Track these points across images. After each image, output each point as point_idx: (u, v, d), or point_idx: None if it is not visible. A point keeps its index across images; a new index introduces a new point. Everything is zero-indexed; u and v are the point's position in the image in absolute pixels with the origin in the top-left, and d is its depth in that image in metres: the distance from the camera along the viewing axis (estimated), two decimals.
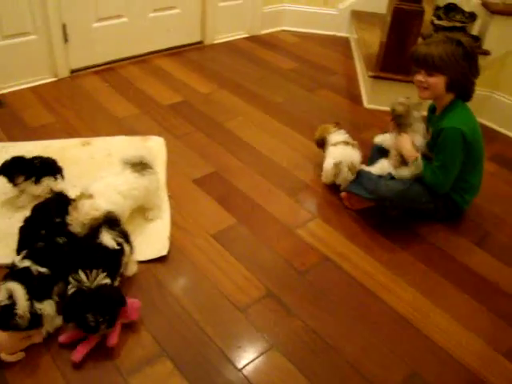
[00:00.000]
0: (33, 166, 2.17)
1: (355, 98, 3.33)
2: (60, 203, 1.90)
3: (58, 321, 1.67)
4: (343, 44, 4.15)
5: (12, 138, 2.65)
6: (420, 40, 3.05)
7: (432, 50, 2.10)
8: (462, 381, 1.65)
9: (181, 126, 2.85)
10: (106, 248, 1.71)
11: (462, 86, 2.14)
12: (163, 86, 3.28)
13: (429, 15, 3.05)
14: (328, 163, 2.37)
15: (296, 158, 2.66)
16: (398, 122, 2.28)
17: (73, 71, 3.34)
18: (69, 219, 1.81)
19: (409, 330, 1.80)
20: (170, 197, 2.28)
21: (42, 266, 1.67)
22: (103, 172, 2.07)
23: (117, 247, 1.73)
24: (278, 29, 4.31)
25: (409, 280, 1.99)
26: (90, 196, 1.84)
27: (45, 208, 1.90)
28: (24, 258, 1.68)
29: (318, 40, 4.17)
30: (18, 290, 1.55)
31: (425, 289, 1.96)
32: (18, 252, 1.78)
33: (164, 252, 1.99)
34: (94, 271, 1.61)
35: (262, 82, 3.43)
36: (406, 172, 2.22)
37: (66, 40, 3.20)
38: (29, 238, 1.79)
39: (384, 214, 2.30)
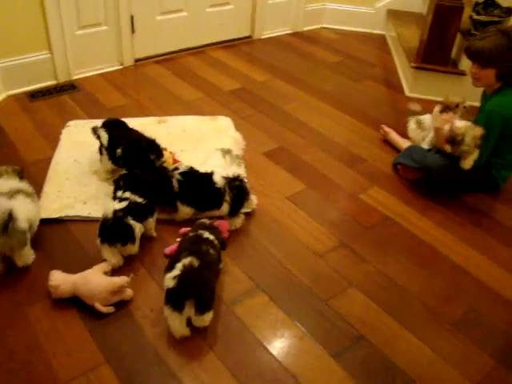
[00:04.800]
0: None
1: (396, 88, 3.63)
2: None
3: None
4: (380, 40, 4.45)
5: (92, 116, 2.94)
6: (459, 34, 3.35)
7: (484, 45, 2.34)
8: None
9: (244, 109, 3.16)
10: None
11: (510, 76, 2.40)
12: (222, 74, 3.59)
13: (467, 11, 3.33)
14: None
15: (350, 136, 2.96)
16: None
17: (136, 60, 3.65)
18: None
19: (463, 274, 2.10)
20: None
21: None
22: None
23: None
24: (319, 26, 4.61)
25: (460, 237, 2.29)
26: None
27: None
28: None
29: (356, 37, 4.48)
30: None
31: (474, 244, 2.25)
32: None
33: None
34: None
35: (311, 73, 3.73)
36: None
37: (132, 31, 3.51)
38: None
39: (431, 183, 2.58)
